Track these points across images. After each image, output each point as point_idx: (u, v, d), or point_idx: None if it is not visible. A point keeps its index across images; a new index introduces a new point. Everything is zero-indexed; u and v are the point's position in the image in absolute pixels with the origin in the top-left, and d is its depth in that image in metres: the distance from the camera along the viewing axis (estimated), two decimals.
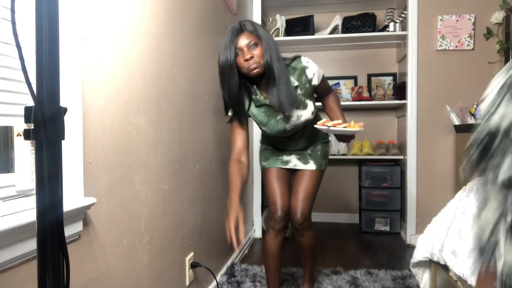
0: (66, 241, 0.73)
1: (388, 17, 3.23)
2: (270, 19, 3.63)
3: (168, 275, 1.52)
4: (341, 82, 3.60)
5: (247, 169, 1.60)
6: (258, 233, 3.19)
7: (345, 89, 3.58)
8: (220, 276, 2.16)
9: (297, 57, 1.59)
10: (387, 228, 3.27)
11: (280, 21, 3.32)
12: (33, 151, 0.64)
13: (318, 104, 1.86)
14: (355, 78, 3.61)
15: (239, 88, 1.52)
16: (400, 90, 3.17)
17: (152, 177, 1.37)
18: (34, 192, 0.59)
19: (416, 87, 2.99)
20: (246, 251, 2.81)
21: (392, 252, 2.79)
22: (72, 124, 0.95)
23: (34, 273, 0.81)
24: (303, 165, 1.78)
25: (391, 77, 3.53)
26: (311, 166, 1.77)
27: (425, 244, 1.69)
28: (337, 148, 3.39)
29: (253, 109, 1.63)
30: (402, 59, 3.24)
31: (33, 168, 0.65)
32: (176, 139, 1.60)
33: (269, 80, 1.51)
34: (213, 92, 2.04)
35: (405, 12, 3.05)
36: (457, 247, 1.41)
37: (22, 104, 0.89)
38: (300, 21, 3.33)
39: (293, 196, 1.76)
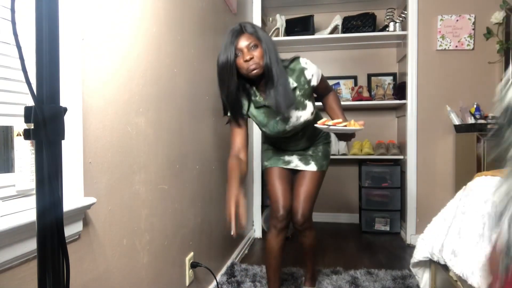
0: (66, 241, 0.73)
1: (388, 17, 3.23)
2: (270, 19, 3.63)
3: (168, 275, 1.52)
4: (341, 82, 3.60)
5: (245, 165, 1.61)
6: (258, 233, 3.19)
7: (345, 89, 3.58)
8: (220, 276, 2.16)
9: (295, 58, 1.60)
10: (387, 228, 3.27)
11: (280, 21, 3.32)
12: (33, 151, 0.64)
13: (319, 103, 1.86)
14: (355, 78, 3.61)
15: (237, 89, 1.53)
16: (400, 90, 3.17)
17: (152, 177, 1.37)
18: (34, 192, 0.59)
19: (416, 87, 2.99)
20: (246, 251, 2.81)
21: (392, 252, 2.79)
22: (72, 124, 0.95)
23: (34, 273, 0.81)
24: (304, 166, 1.79)
25: (391, 77, 3.53)
26: (312, 167, 1.78)
27: (425, 244, 1.69)
28: (337, 148, 3.39)
29: (253, 110, 1.64)
30: (402, 59, 3.24)
31: (33, 168, 0.65)
32: (176, 139, 1.60)
33: (268, 81, 1.52)
34: (213, 92, 2.04)
35: (405, 12, 3.05)
36: (457, 247, 1.42)
37: (22, 104, 0.89)
38: (300, 21, 3.33)
39: (294, 197, 1.78)
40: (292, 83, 1.58)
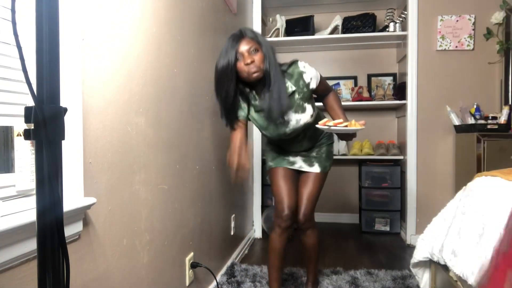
0: (66, 241, 0.73)
1: (388, 17, 3.23)
2: (270, 19, 3.63)
3: (168, 275, 1.52)
4: (341, 82, 3.60)
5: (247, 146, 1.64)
6: (258, 233, 3.19)
7: (345, 89, 3.58)
8: (220, 276, 2.16)
9: (294, 63, 1.63)
10: (387, 228, 3.27)
11: (280, 21, 3.32)
12: (33, 151, 0.64)
13: (320, 104, 1.87)
14: (355, 78, 3.61)
15: (235, 93, 1.55)
16: (400, 90, 3.17)
17: (152, 177, 1.37)
18: (34, 192, 0.59)
19: (416, 87, 2.99)
20: (246, 251, 2.81)
21: (392, 252, 2.79)
22: (72, 124, 0.95)
23: (34, 273, 0.81)
24: (308, 167, 1.82)
25: (391, 77, 3.53)
26: (316, 169, 1.82)
27: (425, 244, 1.69)
28: (337, 148, 3.39)
29: (253, 114, 1.67)
30: (402, 59, 3.24)
31: (33, 168, 0.65)
32: (176, 139, 1.60)
33: (265, 85, 1.55)
34: (213, 92, 2.03)
35: (405, 12, 3.05)
36: (457, 247, 1.42)
37: (22, 104, 0.89)
38: (300, 21, 3.33)
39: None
40: (291, 87, 1.60)
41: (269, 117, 1.59)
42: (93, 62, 1.04)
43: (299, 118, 1.64)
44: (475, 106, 2.83)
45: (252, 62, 1.48)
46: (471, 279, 1.27)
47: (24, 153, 0.85)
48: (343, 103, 1.94)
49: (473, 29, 2.93)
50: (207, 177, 2.00)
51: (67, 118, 0.68)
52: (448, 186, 2.98)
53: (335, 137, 2.15)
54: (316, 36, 3.28)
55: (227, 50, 1.49)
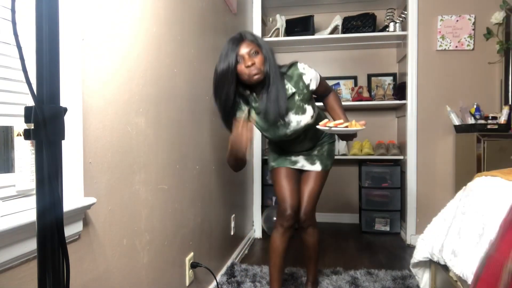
0: (66, 241, 0.73)
1: (388, 17, 3.23)
2: (270, 19, 3.63)
3: (168, 275, 1.52)
4: (341, 82, 3.60)
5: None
6: (258, 233, 3.19)
7: (345, 89, 3.58)
8: (220, 276, 2.16)
9: (293, 64, 1.64)
10: (387, 228, 3.27)
11: (280, 21, 3.32)
12: (33, 151, 0.64)
13: (320, 104, 1.87)
14: (355, 78, 3.61)
15: (235, 95, 1.56)
16: (400, 90, 3.17)
17: (152, 177, 1.37)
18: (34, 192, 0.59)
19: (416, 87, 2.99)
20: (246, 251, 2.81)
21: (392, 252, 2.79)
22: (72, 124, 0.95)
23: (34, 273, 0.81)
24: (310, 166, 1.84)
25: (391, 77, 3.53)
26: (317, 167, 1.83)
27: (425, 244, 1.69)
28: (337, 148, 3.39)
29: (254, 116, 1.68)
30: (402, 59, 3.24)
31: (33, 168, 0.65)
32: (176, 139, 1.60)
33: (264, 87, 1.56)
34: (212, 96, 2.04)
35: (405, 12, 3.05)
36: (457, 247, 1.42)
37: (22, 104, 0.89)
38: (300, 21, 3.33)
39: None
40: (291, 88, 1.62)
41: (266, 118, 1.60)
42: (93, 62, 1.04)
43: (299, 120, 1.65)
44: (475, 106, 2.83)
45: (253, 64, 1.49)
46: (471, 279, 1.27)
47: (24, 153, 0.85)
48: (343, 103, 1.95)
49: (473, 29, 2.93)
50: (207, 177, 2.00)
51: (67, 118, 0.68)
52: (448, 186, 2.98)
53: (336, 136, 2.17)
54: (316, 36, 3.28)
55: (227, 53, 1.50)
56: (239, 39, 1.52)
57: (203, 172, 1.93)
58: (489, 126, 2.64)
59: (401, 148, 3.28)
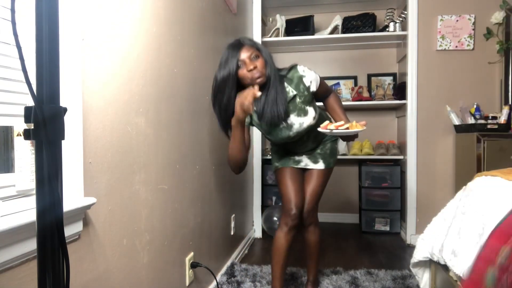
0: (66, 241, 0.73)
1: (388, 17, 3.23)
2: (270, 19, 3.63)
3: (168, 275, 1.52)
4: (341, 82, 3.60)
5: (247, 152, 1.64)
6: (258, 233, 3.19)
7: (345, 89, 3.58)
8: (220, 276, 2.16)
9: (293, 67, 1.66)
10: (387, 228, 3.27)
11: (280, 21, 3.32)
12: (33, 151, 0.64)
13: (320, 104, 1.87)
14: (355, 78, 3.61)
15: (235, 101, 1.55)
16: (400, 90, 3.17)
17: (152, 177, 1.37)
18: (34, 192, 0.59)
19: (416, 87, 2.99)
20: (246, 251, 2.81)
21: (392, 252, 2.79)
22: (72, 124, 0.95)
23: (34, 273, 0.81)
24: (313, 164, 1.85)
25: (391, 77, 3.53)
26: (320, 165, 1.85)
27: (425, 244, 1.69)
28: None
29: (256, 120, 1.68)
30: (402, 59, 3.24)
31: (33, 168, 0.65)
32: (176, 139, 1.60)
33: (263, 91, 1.56)
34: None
35: (405, 12, 3.05)
36: (457, 247, 1.42)
37: (22, 104, 0.89)
38: (300, 21, 3.33)
39: None
40: (292, 91, 1.63)
41: (266, 121, 1.60)
42: (93, 62, 1.04)
43: (302, 122, 1.66)
44: (475, 106, 2.83)
45: (255, 68, 1.50)
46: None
47: (24, 153, 0.85)
48: (343, 103, 1.96)
49: (473, 29, 2.93)
50: (207, 177, 2.00)
51: (67, 118, 0.68)
52: (448, 186, 2.98)
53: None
54: (316, 36, 3.28)
55: (227, 60, 1.51)
56: (238, 44, 1.53)
57: (203, 172, 1.93)
58: (489, 126, 2.64)
59: (401, 148, 3.28)
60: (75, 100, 0.96)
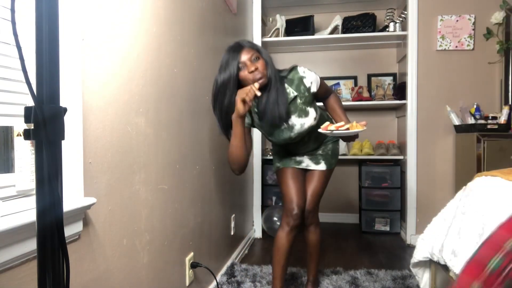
0: (66, 241, 0.73)
1: (388, 17, 3.23)
2: (270, 19, 3.63)
3: (168, 275, 1.52)
4: (341, 82, 3.60)
5: (249, 151, 1.64)
6: (258, 233, 3.19)
7: (345, 89, 3.58)
8: (220, 276, 2.16)
9: (293, 68, 1.66)
10: (387, 228, 3.27)
11: (280, 21, 3.32)
12: (33, 151, 0.64)
13: (320, 104, 1.87)
14: (355, 78, 3.61)
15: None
16: (400, 90, 3.17)
17: (152, 177, 1.37)
18: (34, 192, 0.59)
19: (416, 87, 2.99)
20: (246, 251, 2.81)
21: (392, 252, 2.79)
22: (72, 124, 0.95)
23: (34, 273, 0.81)
24: (315, 165, 1.86)
25: (391, 77, 3.53)
26: (322, 166, 1.85)
27: (425, 244, 1.69)
28: None
29: (258, 121, 1.69)
30: (402, 59, 3.24)
31: (33, 168, 0.65)
32: (176, 139, 1.60)
33: (264, 92, 1.56)
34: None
35: (405, 12, 3.05)
36: (457, 247, 1.42)
37: (22, 104, 0.89)
38: (300, 21, 3.33)
39: None
40: (293, 92, 1.63)
41: (267, 121, 1.60)
42: (93, 62, 1.04)
43: (303, 122, 1.66)
44: (475, 106, 2.83)
45: (256, 69, 1.50)
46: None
47: (24, 153, 0.85)
48: (343, 103, 1.96)
49: (473, 29, 2.93)
50: (207, 177, 2.00)
51: (67, 118, 0.68)
52: (448, 186, 2.98)
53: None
54: (316, 36, 3.28)
55: (227, 62, 1.50)
56: (238, 47, 1.53)
57: (203, 172, 1.93)
58: (489, 126, 2.64)
59: (401, 148, 3.28)
60: (75, 100, 0.96)
